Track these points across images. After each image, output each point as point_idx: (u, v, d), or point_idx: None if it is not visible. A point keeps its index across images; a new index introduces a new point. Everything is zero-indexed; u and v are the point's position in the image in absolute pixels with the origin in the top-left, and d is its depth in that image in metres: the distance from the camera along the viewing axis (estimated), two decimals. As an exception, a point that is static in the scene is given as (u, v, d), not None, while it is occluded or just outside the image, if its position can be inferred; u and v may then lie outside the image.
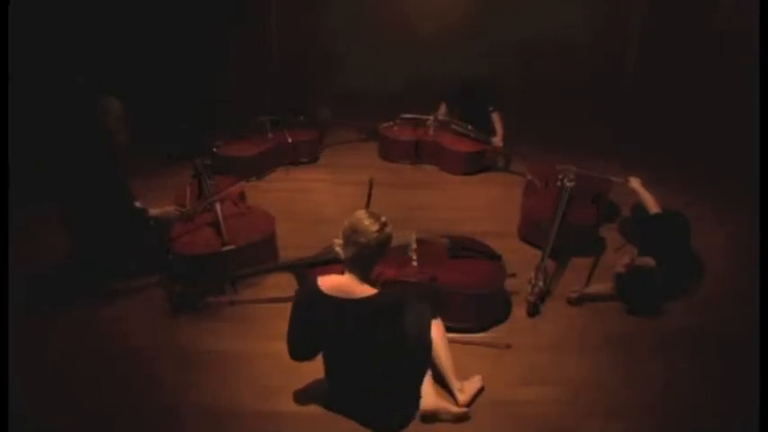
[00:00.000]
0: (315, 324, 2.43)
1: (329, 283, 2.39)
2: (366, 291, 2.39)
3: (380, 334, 2.42)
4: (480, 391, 2.75)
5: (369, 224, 2.32)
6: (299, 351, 2.53)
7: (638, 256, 3.48)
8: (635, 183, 3.99)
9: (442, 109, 5.71)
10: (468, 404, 2.65)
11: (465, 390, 2.68)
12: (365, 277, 2.41)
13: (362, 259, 2.37)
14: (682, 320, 3.38)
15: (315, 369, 2.79)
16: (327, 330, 2.44)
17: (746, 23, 5.06)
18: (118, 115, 3.44)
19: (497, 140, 5.43)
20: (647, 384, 2.89)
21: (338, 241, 2.40)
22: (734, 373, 2.97)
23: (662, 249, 3.46)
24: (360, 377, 2.51)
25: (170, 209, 3.71)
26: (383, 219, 2.38)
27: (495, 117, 5.50)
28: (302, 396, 2.72)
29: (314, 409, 2.66)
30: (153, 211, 3.62)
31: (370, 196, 3.15)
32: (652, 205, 3.76)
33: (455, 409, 2.59)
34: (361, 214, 2.36)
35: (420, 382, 2.58)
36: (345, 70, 7.48)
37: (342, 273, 2.44)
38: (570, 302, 3.50)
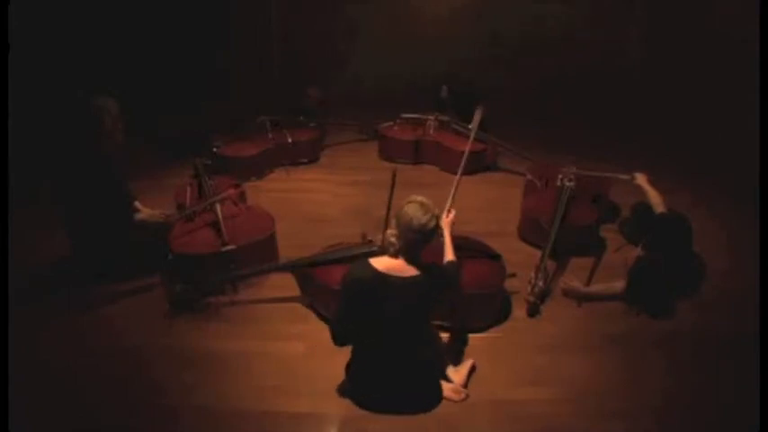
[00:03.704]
0: (366, 301, 2.48)
1: (383, 264, 2.50)
2: (414, 270, 2.50)
3: (426, 307, 2.63)
4: (472, 369, 2.87)
5: (426, 221, 2.43)
6: (344, 332, 2.56)
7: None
8: (641, 179, 3.90)
9: (435, 116, 5.71)
10: (464, 385, 2.79)
11: (459, 371, 2.84)
12: (416, 260, 2.52)
13: (417, 248, 2.51)
14: (682, 320, 3.38)
15: (313, 369, 2.81)
16: (378, 307, 2.48)
17: (747, 24, 5.06)
18: (115, 115, 3.44)
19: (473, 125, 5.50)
20: (647, 384, 2.89)
21: (392, 232, 2.51)
22: (734, 372, 2.96)
23: (666, 248, 3.46)
24: (395, 359, 2.57)
25: (157, 212, 3.68)
26: (436, 210, 2.51)
27: (478, 111, 5.58)
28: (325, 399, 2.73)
29: (313, 409, 2.67)
30: (140, 215, 3.60)
31: (393, 189, 3.16)
32: (658, 203, 3.66)
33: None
34: (418, 210, 2.43)
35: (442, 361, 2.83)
36: (346, 70, 7.49)
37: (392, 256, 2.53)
38: (565, 294, 3.52)
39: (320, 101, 6.24)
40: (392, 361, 2.58)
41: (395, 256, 2.51)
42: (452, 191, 3.43)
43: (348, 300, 2.51)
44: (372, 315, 2.49)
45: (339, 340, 2.56)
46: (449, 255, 2.86)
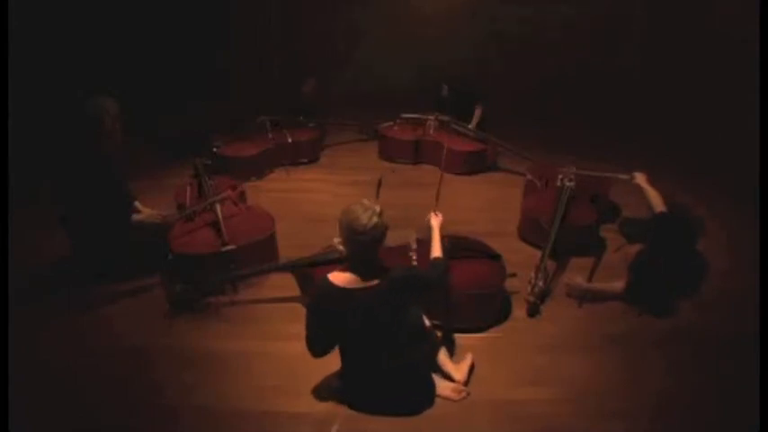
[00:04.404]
0: (333, 318, 2.45)
1: (341, 278, 2.43)
2: (376, 279, 2.43)
3: (395, 313, 2.50)
4: (472, 366, 2.88)
5: (366, 220, 2.32)
6: (319, 347, 2.52)
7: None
8: (640, 179, 3.87)
9: (435, 116, 5.71)
10: (465, 383, 2.80)
11: (460, 369, 2.83)
12: (371, 267, 2.44)
13: (366, 253, 2.41)
14: (682, 320, 3.38)
15: (313, 369, 2.80)
16: (346, 322, 2.45)
17: (747, 24, 5.06)
18: (115, 115, 3.44)
19: (471, 126, 5.59)
20: (648, 384, 2.89)
21: (338, 240, 2.44)
22: (734, 372, 2.96)
23: (667, 247, 3.46)
24: (380, 364, 2.53)
25: (154, 213, 3.69)
26: (377, 208, 2.38)
27: (477, 110, 5.66)
28: (318, 395, 2.74)
29: (313, 408, 2.67)
30: (137, 217, 3.59)
31: (378, 191, 3.17)
32: (657, 203, 3.64)
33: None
34: (357, 210, 2.35)
35: (434, 362, 2.81)
36: (346, 70, 7.48)
37: (346, 269, 2.45)
38: (570, 294, 3.52)
39: (316, 92, 6.22)
40: (374, 367, 2.54)
41: (344, 269, 2.44)
42: (437, 189, 3.31)
43: (315, 318, 2.46)
44: (344, 329, 2.46)
45: (314, 352, 2.51)
46: (435, 251, 2.81)
